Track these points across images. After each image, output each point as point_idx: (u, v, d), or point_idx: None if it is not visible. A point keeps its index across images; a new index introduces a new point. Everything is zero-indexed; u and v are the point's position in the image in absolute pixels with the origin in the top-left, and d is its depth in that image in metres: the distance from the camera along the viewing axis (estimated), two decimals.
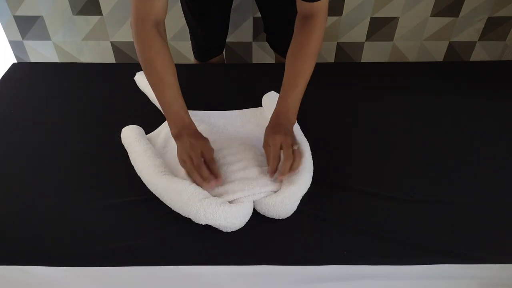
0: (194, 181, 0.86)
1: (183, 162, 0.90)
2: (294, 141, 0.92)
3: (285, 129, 0.93)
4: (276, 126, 0.94)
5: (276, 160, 0.88)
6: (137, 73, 1.26)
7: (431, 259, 0.78)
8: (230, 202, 0.84)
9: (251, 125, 1.10)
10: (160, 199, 0.88)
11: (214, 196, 0.85)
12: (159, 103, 0.96)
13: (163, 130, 1.06)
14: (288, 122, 0.95)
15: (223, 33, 1.45)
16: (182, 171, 0.91)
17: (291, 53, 0.99)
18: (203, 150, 0.90)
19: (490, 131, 1.10)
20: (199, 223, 0.81)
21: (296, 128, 1.01)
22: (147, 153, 0.95)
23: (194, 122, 1.05)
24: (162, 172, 0.89)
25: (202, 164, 0.88)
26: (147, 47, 0.92)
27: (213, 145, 0.96)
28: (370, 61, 1.81)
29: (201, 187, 0.85)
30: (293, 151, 0.89)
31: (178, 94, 0.95)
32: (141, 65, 0.94)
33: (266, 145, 0.92)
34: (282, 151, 0.89)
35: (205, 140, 0.94)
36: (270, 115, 1.10)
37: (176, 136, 0.94)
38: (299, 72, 0.96)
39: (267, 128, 0.95)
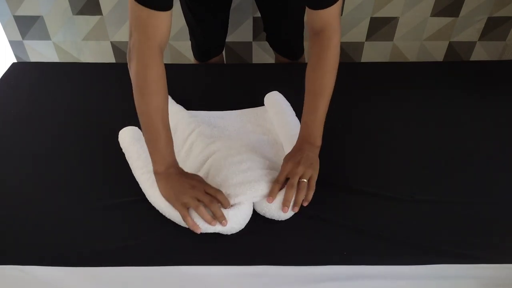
0: (206, 221, 0.81)
1: (184, 204, 0.82)
2: (313, 172, 0.88)
3: (307, 156, 0.89)
4: (299, 152, 0.90)
5: (293, 190, 0.85)
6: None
7: (431, 259, 0.78)
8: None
9: (252, 125, 1.10)
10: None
11: None
12: (150, 149, 0.87)
13: None
14: (311, 147, 0.92)
15: (222, 33, 1.45)
16: None
17: (309, 70, 0.95)
18: (205, 188, 0.84)
19: (490, 131, 1.10)
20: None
21: (296, 125, 1.01)
22: (141, 157, 0.94)
23: (194, 123, 1.05)
24: (154, 182, 0.88)
25: (214, 201, 0.82)
26: (148, 70, 0.83)
27: (213, 146, 0.97)
28: (370, 61, 1.81)
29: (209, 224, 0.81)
30: (308, 182, 0.87)
31: (172, 145, 0.89)
32: (135, 86, 0.84)
33: (284, 168, 0.88)
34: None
35: (199, 176, 0.89)
36: (272, 115, 1.11)
37: (162, 173, 0.86)
38: (319, 92, 0.92)
39: (291, 151, 0.93)
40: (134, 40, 0.82)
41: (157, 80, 0.84)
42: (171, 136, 0.88)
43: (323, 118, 0.93)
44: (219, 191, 0.84)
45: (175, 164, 0.89)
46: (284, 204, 0.84)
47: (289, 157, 0.91)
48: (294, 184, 0.85)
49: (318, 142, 0.94)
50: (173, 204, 0.84)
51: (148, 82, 0.83)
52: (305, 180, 0.87)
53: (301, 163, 0.88)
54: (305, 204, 0.86)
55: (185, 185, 0.84)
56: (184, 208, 0.82)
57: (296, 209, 0.85)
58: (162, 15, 0.80)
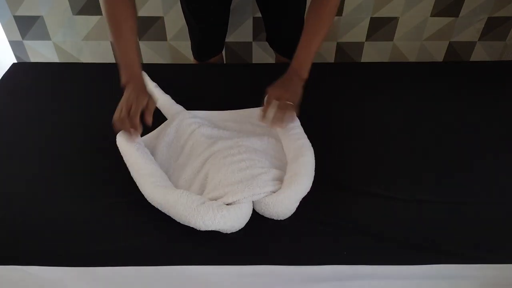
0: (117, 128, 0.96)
1: (119, 110, 0.97)
2: (294, 98, 0.98)
3: (292, 85, 1.01)
4: (284, 81, 1.02)
5: (274, 110, 0.96)
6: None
7: (431, 259, 0.78)
8: (229, 203, 0.84)
9: (252, 125, 1.10)
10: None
11: (215, 198, 0.85)
12: (116, 53, 1.04)
13: (166, 133, 1.06)
14: (298, 79, 1.03)
15: (222, 32, 1.45)
16: (182, 178, 0.93)
17: (310, 11, 1.06)
18: (137, 103, 0.96)
19: (491, 131, 1.10)
20: (200, 229, 0.81)
21: (300, 131, 1.01)
22: (139, 159, 0.94)
23: (195, 124, 1.06)
24: (153, 183, 0.88)
25: (126, 118, 0.95)
26: (114, 4, 1.00)
27: (213, 146, 0.97)
28: (370, 61, 1.81)
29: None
30: (288, 105, 0.96)
31: (136, 47, 1.05)
32: (106, 18, 1.02)
33: (272, 92, 1.01)
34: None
35: (145, 96, 0.99)
36: None
37: (125, 83, 1.03)
38: (315, 31, 1.04)
39: (280, 79, 1.03)
40: None
41: (125, 17, 1.01)
42: (137, 55, 1.05)
43: (313, 55, 1.05)
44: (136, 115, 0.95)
45: (136, 76, 1.03)
46: (264, 120, 0.98)
47: (278, 84, 1.02)
48: (284, 105, 0.97)
49: (305, 75, 1.04)
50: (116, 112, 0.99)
51: (116, 19, 1.01)
52: (289, 102, 0.97)
53: (289, 91, 1.00)
54: (282, 126, 0.98)
55: (131, 95, 0.98)
56: (118, 113, 0.97)
57: (274, 125, 0.98)
58: None
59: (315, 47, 1.05)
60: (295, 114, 1.01)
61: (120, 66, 1.03)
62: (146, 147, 1.00)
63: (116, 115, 0.97)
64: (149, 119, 0.96)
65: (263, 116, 0.99)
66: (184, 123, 1.06)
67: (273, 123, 0.98)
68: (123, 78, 1.03)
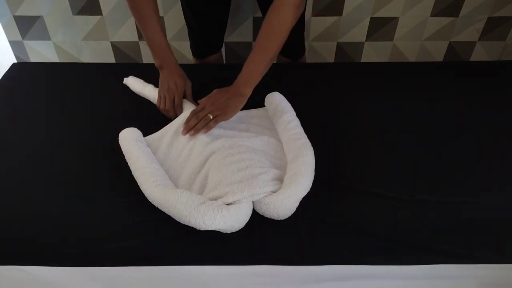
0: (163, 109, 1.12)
1: (162, 100, 1.12)
2: (218, 112, 1.01)
3: (226, 100, 1.03)
4: (219, 93, 1.06)
5: (195, 120, 1.01)
6: (125, 79, 1.28)
7: (431, 259, 0.78)
8: (229, 203, 0.84)
9: (252, 125, 1.10)
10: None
11: (215, 198, 0.85)
12: (146, 39, 1.13)
13: (167, 134, 1.06)
14: (235, 93, 1.05)
15: (220, 30, 1.45)
16: (182, 177, 0.93)
17: (262, 27, 1.05)
18: (178, 92, 1.12)
19: (491, 131, 1.10)
20: (200, 229, 0.81)
21: (300, 131, 1.02)
22: (140, 158, 0.94)
23: None
24: (154, 182, 0.88)
25: (172, 108, 1.12)
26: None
27: (214, 146, 0.97)
28: (370, 61, 1.81)
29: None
30: (214, 119, 1.00)
31: (160, 31, 1.13)
32: (128, 3, 1.09)
33: (202, 102, 1.06)
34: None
35: (182, 80, 1.14)
36: (272, 115, 1.11)
37: (159, 67, 1.15)
38: (267, 47, 1.05)
39: (221, 89, 1.07)
40: None
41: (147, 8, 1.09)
42: (163, 37, 1.14)
43: (260, 72, 1.06)
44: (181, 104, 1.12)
45: (168, 59, 1.15)
46: (185, 128, 1.02)
47: (213, 94, 1.06)
48: (199, 116, 1.01)
49: (246, 91, 1.06)
50: (160, 91, 1.14)
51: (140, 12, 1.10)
52: (210, 116, 1.01)
53: (216, 104, 1.03)
54: (191, 133, 1.01)
55: (167, 83, 1.13)
56: (161, 101, 1.13)
57: (192, 133, 1.00)
58: None
59: (261, 66, 1.05)
60: (213, 126, 1.01)
61: (151, 50, 1.14)
62: (148, 147, 1.00)
63: (161, 106, 1.13)
64: (180, 111, 1.12)
65: (186, 122, 1.03)
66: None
67: (186, 129, 1.02)
68: (156, 61, 1.15)
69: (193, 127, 1.00)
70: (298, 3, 1.01)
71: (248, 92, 1.06)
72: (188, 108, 1.12)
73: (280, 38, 1.04)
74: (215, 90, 1.07)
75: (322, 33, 1.74)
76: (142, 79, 1.25)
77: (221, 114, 1.01)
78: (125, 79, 1.27)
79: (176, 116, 1.11)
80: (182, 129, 1.03)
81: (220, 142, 0.98)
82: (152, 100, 1.19)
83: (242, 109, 1.16)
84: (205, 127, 1.00)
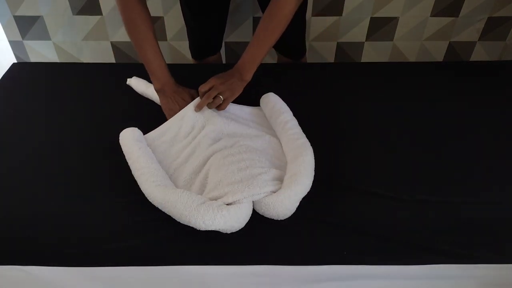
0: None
1: (170, 110, 1.11)
2: (227, 93, 1.04)
3: (230, 81, 1.06)
4: (225, 75, 1.08)
5: (208, 100, 1.04)
6: (128, 79, 1.27)
7: (431, 259, 0.78)
8: (229, 203, 0.84)
9: (252, 124, 1.10)
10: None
11: (215, 198, 0.85)
12: (142, 60, 1.11)
13: (168, 133, 1.06)
14: (239, 78, 1.07)
15: (219, 31, 1.45)
16: (182, 177, 0.93)
17: (265, 15, 1.06)
18: (185, 97, 1.12)
19: (491, 131, 1.10)
20: (200, 229, 0.81)
21: (299, 131, 1.02)
22: (141, 158, 0.94)
23: (196, 124, 1.06)
24: (154, 182, 0.88)
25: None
26: (129, 8, 1.05)
27: (214, 145, 0.97)
28: (370, 61, 1.81)
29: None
30: (217, 97, 1.03)
31: (158, 51, 1.12)
32: (124, 25, 1.08)
33: (210, 81, 1.07)
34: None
35: (187, 90, 1.14)
36: (268, 116, 1.11)
37: (159, 90, 1.13)
38: (268, 35, 1.06)
39: (225, 72, 1.09)
40: None
41: (141, 15, 1.06)
42: (162, 59, 1.13)
43: (260, 59, 1.09)
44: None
45: (169, 82, 1.13)
46: (197, 106, 1.05)
47: (220, 75, 1.08)
48: (211, 95, 1.04)
49: (248, 76, 1.09)
50: (168, 116, 1.10)
51: (133, 20, 1.06)
52: (221, 97, 1.04)
53: (225, 84, 1.05)
54: (196, 110, 1.05)
55: (172, 96, 1.12)
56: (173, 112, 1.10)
57: (201, 108, 1.05)
58: None
59: (263, 52, 1.08)
60: (224, 107, 1.07)
61: (148, 69, 1.12)
62: (149, 146, 1.00)
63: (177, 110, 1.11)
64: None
65: (199, 106, 1.06)
66: (187, 121, 1.06)
67: (198, 106, 1.06)
68: (156, 84, 1.13)
69: (203, 106, 1.05)
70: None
71: (249, 77, 1.09)
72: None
73: (281, 25, 1.05)
74: (219, 74, 1.09)
75: (322, 33, 1.74)
76: (143, 79, 1.25)
77: (230, 96, 1.06)
78: (128, 79, 1.27)
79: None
80: (183, 129, 1.04)
81: (221, 142, 0.98)
82: (155, 101, 1.19)
83: (240, 105, 1.16)
84: (219, 107, 1.06)
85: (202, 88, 1.07)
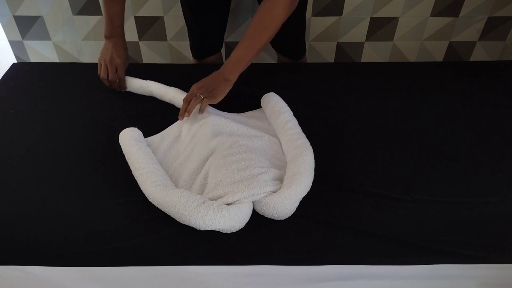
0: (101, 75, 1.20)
1: (99, 66, 1.20)
2: (206, 94, 1.04)
3: (214, 84, 1.06)
4: (209, 79, 1.08)
5: (186, 104, 1.04)
6: (144, 81, 1.24)
7: (431, 259, 0.78)
8: (229, 203, 0.84)
9: (252, 124, 1.10)
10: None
11: (215, 198, 0.85)
12: (103, 5, 1.17)
13: (168, 135, 1.06)
14: (222, 79, 1.07)
15: (220, 31, 1.45)
16: (182, 178, 0.93)
17: (255, 17, 1.06)
18: (122, 64, 1.19)
19: (491, 131, 1.10)
20: (200, 229, 0.81)
21: (299, 131, 1.02)
22: (141, 158, 0.94)
23: (195, 125, 1.06)
24: (154, 182, 0.88)
25: (106, 80, 1.20)
26: None
27: (214, 146, 0.97)
28: (370, 61, 1.81)
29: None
30: (202, 99, 1.03)
31: (119, 6, 1.17)
32: None
33: (191, 88, 1.07)
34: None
35: (126, 54, 1.22)
36: (269, 116, 1.11)
37: (107, 37, 1.20)
38: (258, 38, 1.07)
39: (209, 75, 1.09)
40: None
41: None
42: (121, 8, 1.18)
43: (248, 61, 1.08)
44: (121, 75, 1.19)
45: (116, 34, 1.20)
46: (179, 114, 1.05)
47: (201, 80, 1.08)
48: (187, 100, 1.05)
49: (231, 77, 1.07)
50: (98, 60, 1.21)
51: None
52: (201, 96, 1.04)
53: (203, 88, 1.05)
54: (187, 115, 1.04)
55: (109, 53, 1.19)
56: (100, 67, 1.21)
57: (187, 115, 1.04)
58: None
59: (251, 53, 1.07)
60: (204, 107, 1.05)
61: (105, 17, 1.17)
62: (149, 147, 1.00)
63: (102, 75, 1.20)
64: (123, 85, 1.22)
65: (181, 113, 1.05)
66: (186, 126, 1.07)
67: (180, 115, 1.05)
68: (105, 31, 1.19)
69: (185, 111, 1.04)
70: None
71: (234, 78, 1.08)
72: (131, 82, 1.22)
73: (270, 31, 1.05)
74: (202, 79, 1.09)
75: (322, 33, 1.74)
76: (142, 79, 1.25)
77: (209, 96, 1.05)
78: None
79: (119, 88, 1.22)
80: (184, 131, 1.04)
81: (221, 142, 0.98)
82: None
83: (239, 111, 1.17)
84: (199, 109, 1.05)
85: (185, 98, 1.06)
